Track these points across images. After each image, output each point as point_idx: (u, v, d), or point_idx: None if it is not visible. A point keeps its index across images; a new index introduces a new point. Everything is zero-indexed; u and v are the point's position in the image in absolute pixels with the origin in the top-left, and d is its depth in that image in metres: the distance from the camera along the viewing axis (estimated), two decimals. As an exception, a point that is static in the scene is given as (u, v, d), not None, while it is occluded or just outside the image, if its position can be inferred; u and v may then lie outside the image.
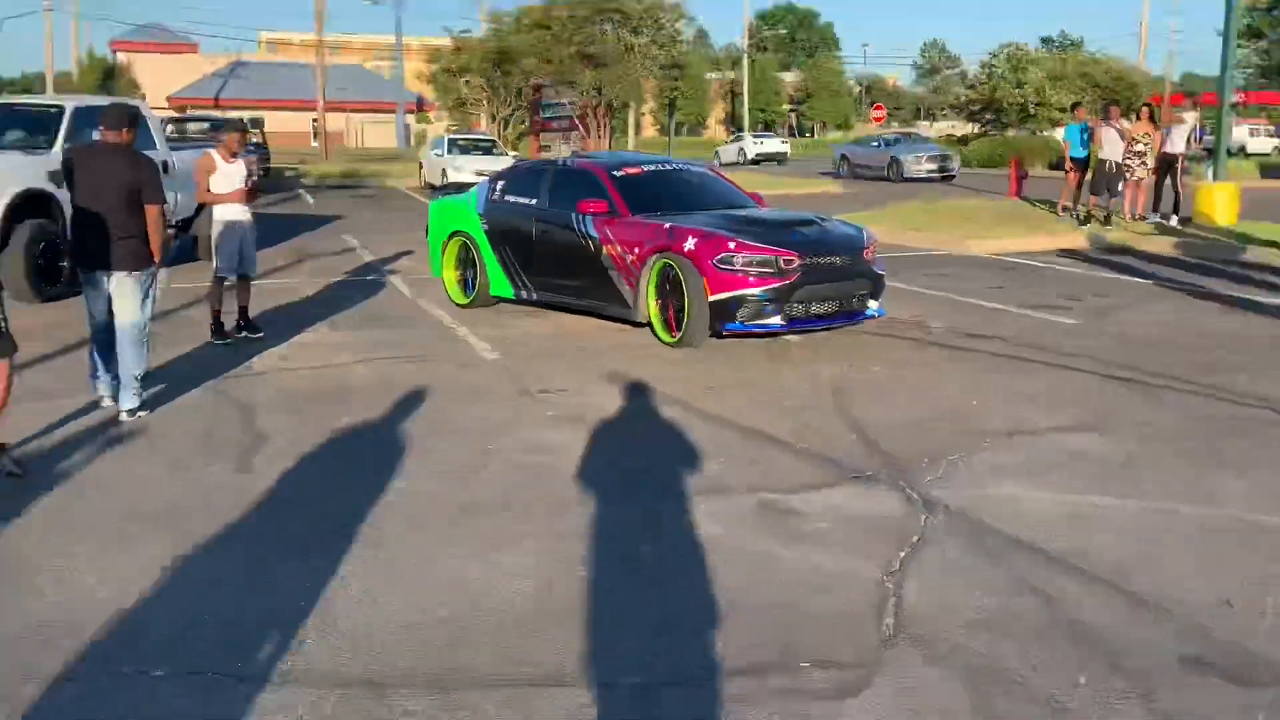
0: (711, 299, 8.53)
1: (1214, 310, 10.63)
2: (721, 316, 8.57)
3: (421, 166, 29.78)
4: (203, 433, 6.50)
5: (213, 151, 9.26)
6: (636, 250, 9.08)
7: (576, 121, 29.86)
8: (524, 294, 10.29)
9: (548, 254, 9.97)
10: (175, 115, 25.13)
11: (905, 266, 13.83)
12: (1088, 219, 16.72)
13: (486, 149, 27.60)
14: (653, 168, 10.04)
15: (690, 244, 8.67)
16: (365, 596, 4.24)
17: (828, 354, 8.65)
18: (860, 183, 32.55)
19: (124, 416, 6.73)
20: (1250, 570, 4.45)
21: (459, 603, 4.18)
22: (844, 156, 37.77)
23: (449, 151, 26.92)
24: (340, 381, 7.76)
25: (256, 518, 5.11)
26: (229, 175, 9.18)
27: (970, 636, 3.88)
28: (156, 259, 6.92)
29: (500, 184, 10.77)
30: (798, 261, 8.58)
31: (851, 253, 8.97)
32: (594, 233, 9.47)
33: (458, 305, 10.88)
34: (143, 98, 27.84)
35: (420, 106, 65.36)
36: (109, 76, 59.27)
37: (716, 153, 49.10)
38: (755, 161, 45.72)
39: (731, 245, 8.55)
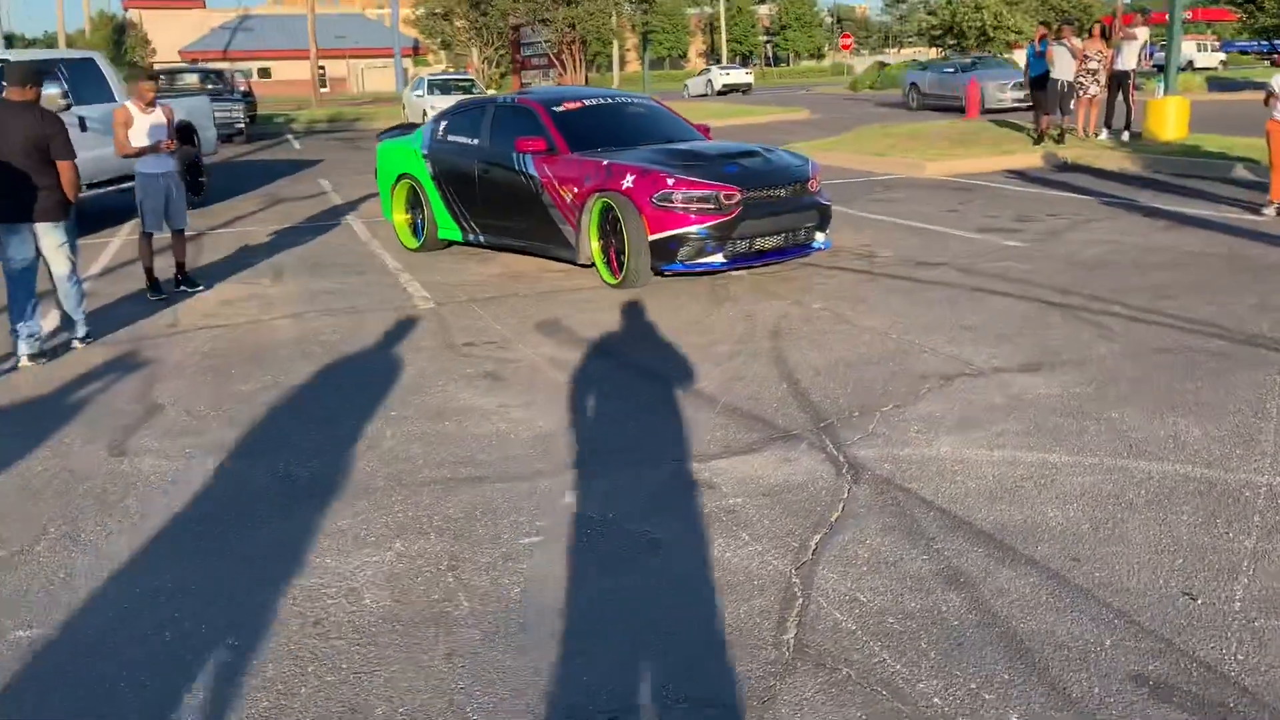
0: (651, 238, 7.55)
1: (1164, 228, 9.62)
2: (662, 256, 7.60)
3: (404, 109, 28.44)
4: (94, 402, 5.58)
5: (128, 103, 8.16)
6: (576, 189, 8.08)
7: (553, 58, 28.39)
8: (471, 237, 9.30)
9: (491, 195, 8.96)
10: (166, 68, 23.61)
11: (861, 193, 12.78)
12: (1041, 138, 15.59)
13: (466, 88, 26.23)
14: (594, 102, 8.95)
15: (628, 182, 7.66)
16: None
17: (771, 291, 7.68)
18: (832, 108, 31.15)
19: (76, 344, 6.78)
20: (1215, 546, 3.56)
21: (282, 631, 3.30)
22: (913, 84, 28.92)
23: (429, 92, 25.58)
24: (261, 340, 6.81)
25: (96, 509, 4.21)
26: (147, 127, 8.10)
27: (884, 652, 2.99)
28: (71, 206, 6.68)
29: (444, 123, 9.70)
30: (739, 196, 7.57)
31: (795, 184, 7.95)
32: (534, 172, 8.45)
33: (408, 250, 9.89)
34: (153, 53, 26.50)
35: (416, 50, 63.38)
36: (120, 33, 57.28)
37: (686, 85, 47.52)
38: (722, 92, 44.13)
39: (670, 182, 7.53)
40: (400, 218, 10.01)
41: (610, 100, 9.09)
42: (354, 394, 5.60)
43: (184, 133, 13.64)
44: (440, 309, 7.49)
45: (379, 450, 4.75)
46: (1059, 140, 15.43)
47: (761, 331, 6.52)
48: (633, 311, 7.21)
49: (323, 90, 65.34)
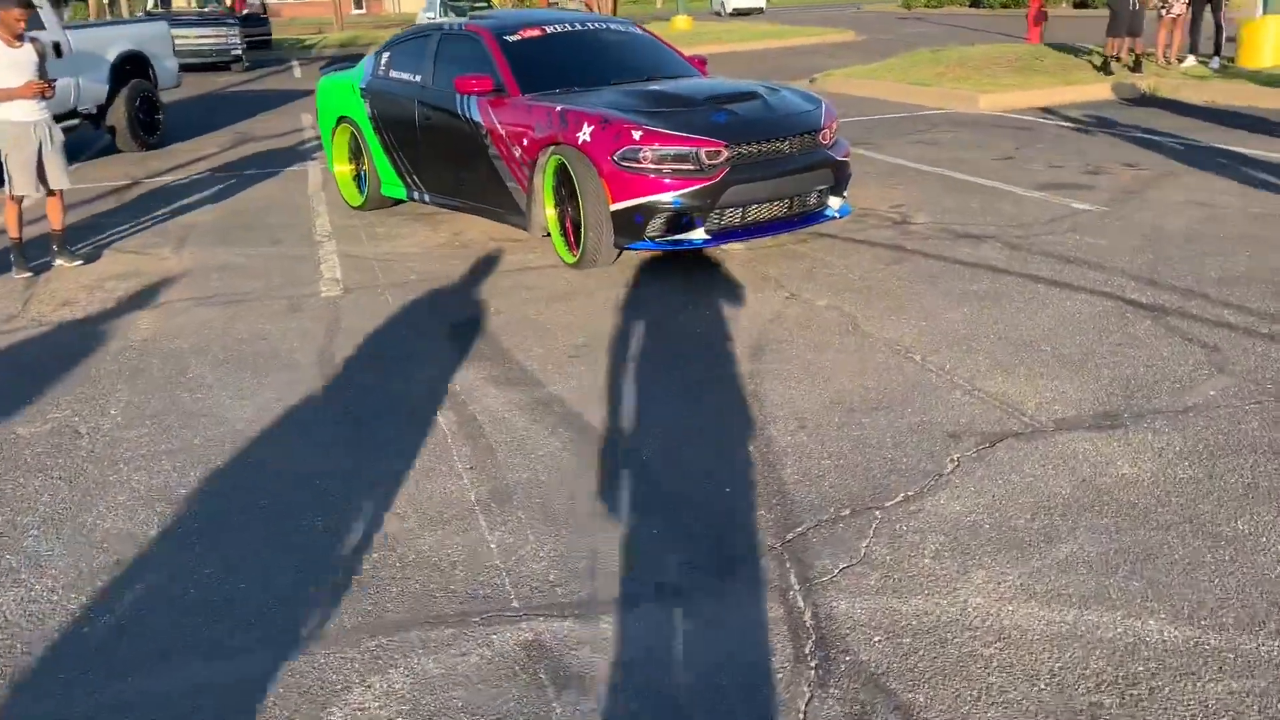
0: (613, 208, 5.84)
1: (1269, 184, 7.68)
2: (626, 231, 5.89)
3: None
4: None
5: (-11, 36, 6.51)
6: (525, 141, 6.36)
7: (580, -24, 26.20)
8: (416, 195, 7.63)
9: (433, 146, 7.26)
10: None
11: (900, 132, 10.86)
12: (1108, 65, 13.42)
13: (483, 6, 24.22)
14: (558, 29, 7.15)
15: (585, 134, 5.92)
16: None
17: (766, 276, 5.95)
18: (881, 29, 28.66)
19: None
20: None
21: None
22: None
23: (442, 13, 23.64)
24: (92, 346, 5.25)
25: None
26: (14, 64, 6.48)
27: None
28: None
29: (386, 55, 7.97)
30: (725, 153, 5.82)
31: (803, 135, 6.15)
32: (479, 118, 6.73)
33: (352, 207, 8.26)
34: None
35: (453, -32, 60.84)
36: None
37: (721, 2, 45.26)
38: (735, 14, 42.13)
39: (636, 135, 5.79)
40: (342, 169, 8.35)
41: (579, 26, 7.28)
42: (163, 439, 4.02)
43: (137, 64, 12.07)
44: (345, 299, 5.87)
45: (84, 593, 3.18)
46: (1134, 68, 13.28)
47: (740, 345, 4.82)
48: (580, 307, 5.53)
49: (358, 11, 63.37)
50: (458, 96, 6.85)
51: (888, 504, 3.29)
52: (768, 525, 3.20)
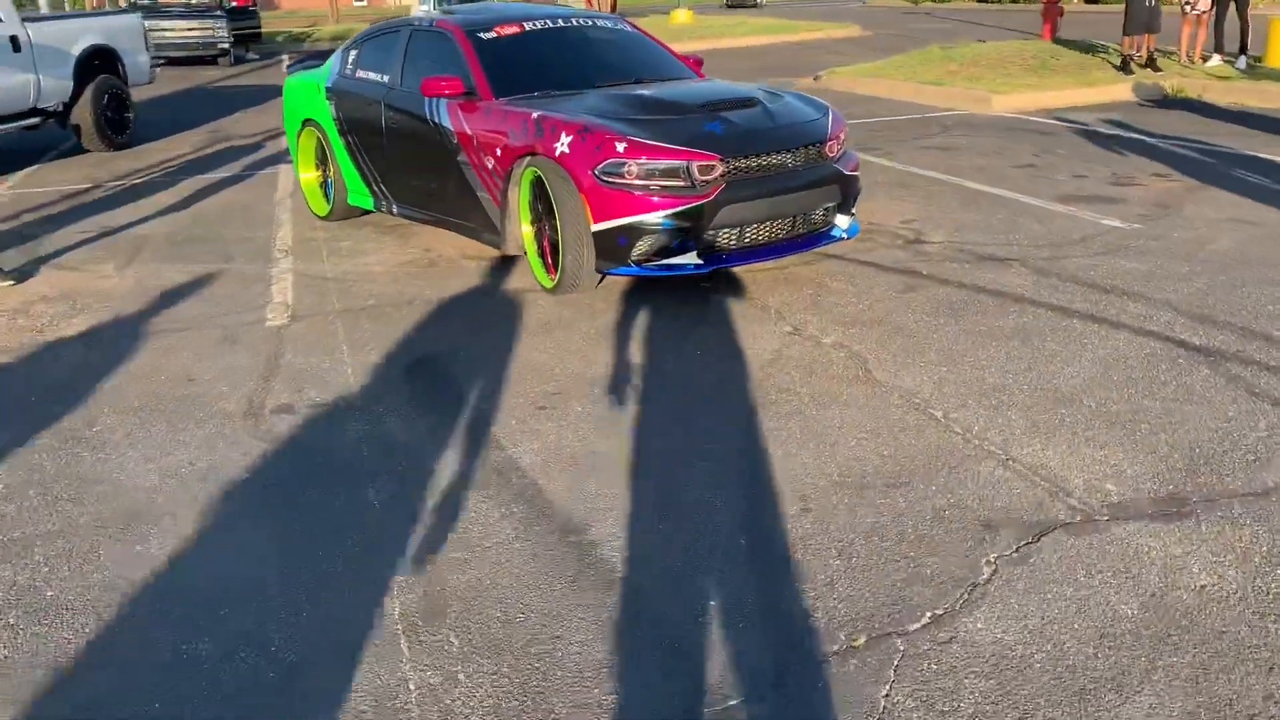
0: (595, 228, 5.17)
1: (1324, 199, 7.00)
2: (609, 254, 5.22)
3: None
4: None
5: None
6: (498, 151, 5.69)
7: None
8: (384, 206, 6.95)
9: (400, 152, 6.59)
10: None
11: (911, 135, 10.16)
12: (1126, 64, 12.70)
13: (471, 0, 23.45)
14: (537, 25, 6.45)
15: (563, 144, 5.25)
16: None
17: (765, 307, 5.28)
18: (888, 24, 27.91)
19: None
20: None
21: None
22: None
23: (436, 6, 22.89)
24: (1, 384, 4.59)
25: None
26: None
27: None
28: None
29: (354, 53, 7.29)
30: (720, 168, 5.14)
31: (807, 147, 5.46)
32: (448, 124, 6.06)
33: (318, 217, 7.59)
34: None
35: (456, -40, 60.05)
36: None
37: None
38: (730, 7, 41.50)
39: (620, 147, 5.11)
40: (308, 176, 7.68)
41: (562, 23, 6.59)
42: (11, 535, 3.36)
43: (106, 59, 11.38)
44: (291, 329, 5.20)
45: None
46: (1153, 67, 12.57)
47: (735, 396, 4.15)
48: (556, 343, 4.86)
49: (360, 4, 62.59)
50: (425, 100, 6.18)
51: (911, 629, 2.62)
52: (758, 664, 2.54)
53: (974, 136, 9.98)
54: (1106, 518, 3.12)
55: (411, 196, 6.63)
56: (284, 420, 4.08)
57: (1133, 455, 3.50)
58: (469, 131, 5.90)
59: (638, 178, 5.09)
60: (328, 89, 7.25)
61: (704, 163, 5.10)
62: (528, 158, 5.47)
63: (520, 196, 5.65)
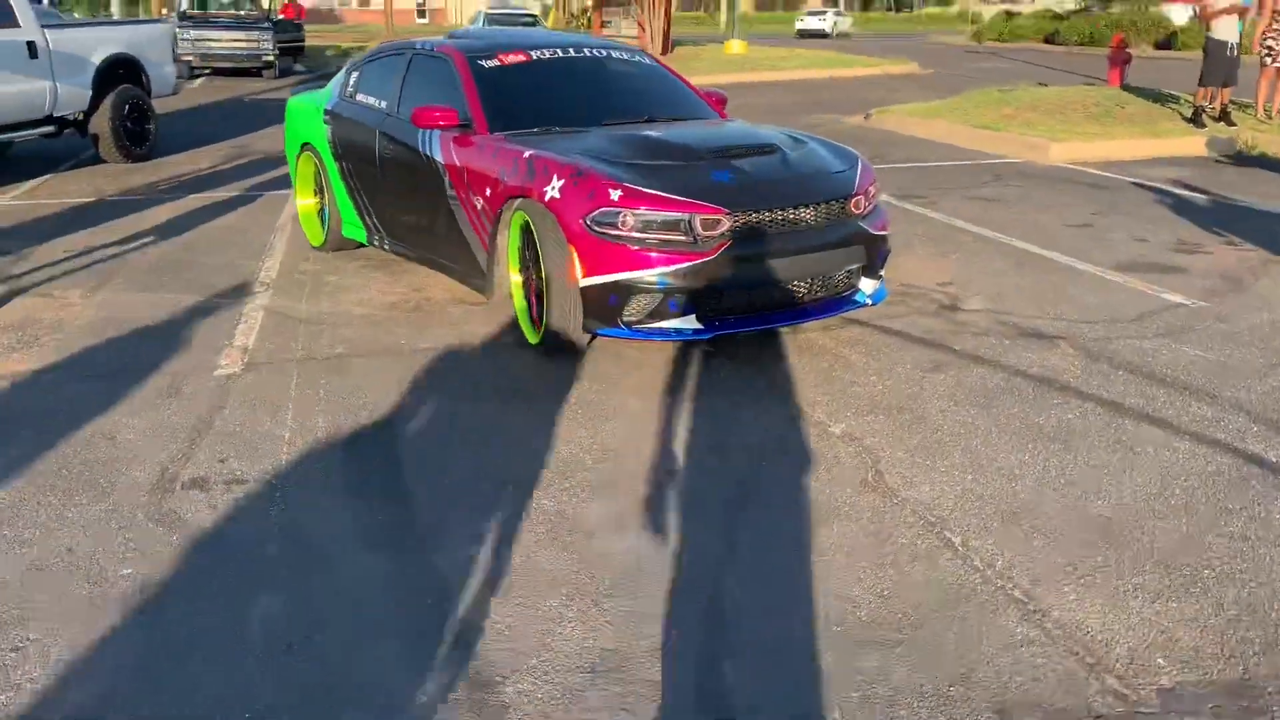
0: (584, 283, 4.57)
1: None
2: (599, 313, 4.62)
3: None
4: None
5: None
6: (488, 191, 5.13)
7: (635, -8, 24.79)
8: (376, 240, 6.43)
9: (392, 184, 6.07)
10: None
11: (959, 184, 9.47)
12: (1198, 116, 11.90)
13: (528, 25, 23.15)
14: (545, 54, 5.89)
15: (554, 188, 4.67)
16: None
17: (771, 383, 4.64)
18: (947, 62, 27.16)
19: None
20: None
21: None
22: None
23: (486, 25, 22.58)
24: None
25: None
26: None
27: None
28: None
29: (355, 75, 6.80)
30: (727, 222, 4.53)
31: (829, 200, 4.84)
32: (440, 157, 5.53)
33: (313, 247, 7.09)
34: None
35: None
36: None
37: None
38: (800, 35, 44.06)
39: (615, 195, 4.52)
40: (305, 203, 7.19)
41: (574, 53, 6.02)
42: None
43: (128, 69, 11.06)
44: (241, 380, 4.66)
45: None
46: (1226, 121, 11.77)
47: (718, 501, 3.52)
48: (531, 414, 4.26)
49: (421, 21, 63.05)
50: (418, 130, 5.65)
51: None
52: None
53: (1026, 188, 9.27)
54: (1155, 709, 2.45)
55: (402, 232, 6.10)
56: (192, 500, 3.52)
57: (1192, 615, 2.82)
58: (460, 167, 5.36)
59: (633, 230, 4.49)
60: (326, 112, 6.77)
61: (708, 216, 4.50)
62: (518, 200, 4.89)
63: (509, 242, 5.08)
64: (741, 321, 4.70)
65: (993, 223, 7.77)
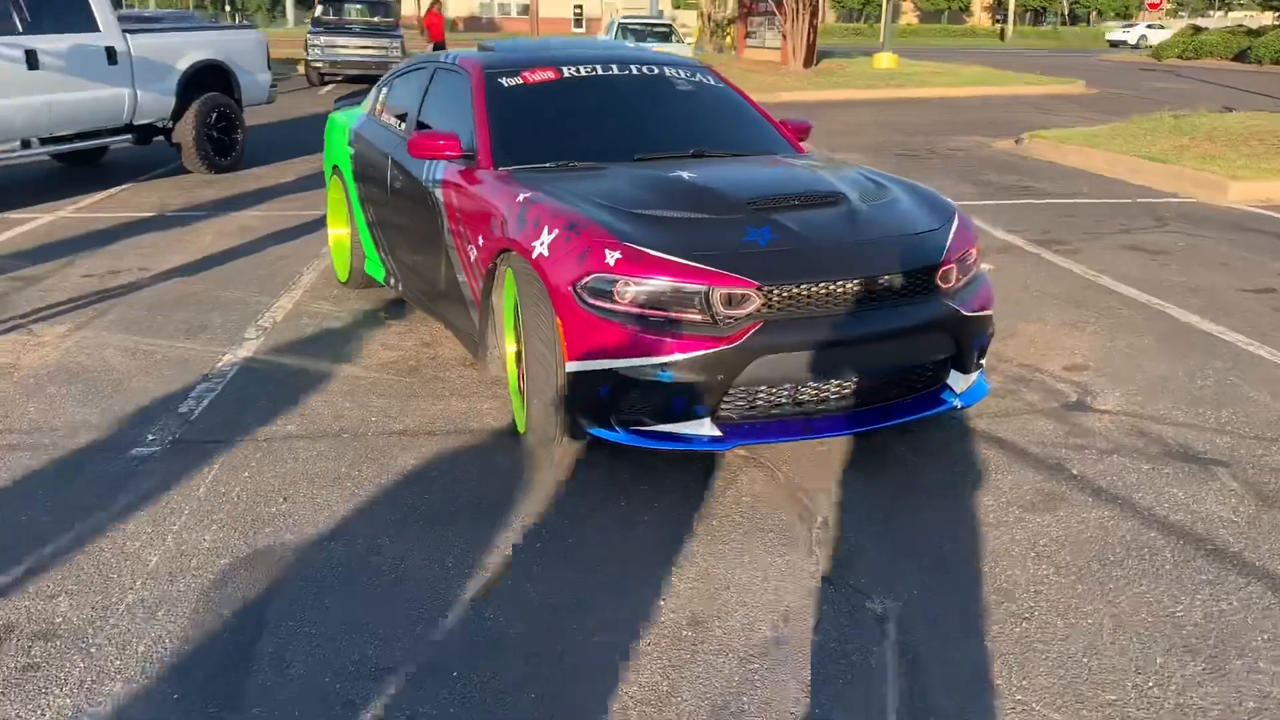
0: (570, 368, 3.51)
1: None
2: (588, 409, 3.55)
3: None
4: None
5: None
6: (481, 239, 4.15)
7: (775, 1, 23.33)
8: (392, 281, 5.54)
9: (403, 221, 5.16)
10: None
11: (1112, 225, 8.00)
12: None
13: (663, 35, 22.19)
14: (582, 72, 4.83)
15: (542, 243, 3.65)
16: None
17: (802, 511, 3.47)
18: (1118, 81, 24.91)
19: None
20: None
21: None
22: None
23: (620, 36, 21.75)
24: None
25: None
26: None
27: None
28: None
29: (384, 91, 5.93)
30: (757, 300, 3.42)
31: (907, 272, 3.64)
32: (439, 194, 4.59)
33: (340, 282, 6.28)
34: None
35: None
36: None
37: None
38: (1111, 45, 47.09)
39: (612, 257, 3.46)
40: (338, 232, 6.37)
41: (615, 70, 4.94)
42: None
43: (218, 76, 10.61)
44: (152, 465, 3.79)
45: None
46: None
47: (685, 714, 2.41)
48: (499, 524, 3.23)
49: (577, 30, 63.27)
50: (422, 161, 4.72)
51: None
52: None
53: (1196, 236, 7.72)
54: None
55: (410, 276, 5.19)
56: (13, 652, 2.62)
57: None
58: (457, 208, 4.39)
59: (633, 303, 3.42)
60: (351, 131, 5.93)
61: (731, 289, 3.38)
62: (512, 254, 3.88)
63: (505, 304, 4.07)
64: (775, 429, 3.55)
65: (1148, 282, 6.33)
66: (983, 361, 4.01)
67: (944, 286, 3.71)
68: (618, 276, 3.43)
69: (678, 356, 3.37)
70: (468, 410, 4.31)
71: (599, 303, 3.45)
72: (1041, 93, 20.91)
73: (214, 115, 10.44)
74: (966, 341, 3.77)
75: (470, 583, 2.99)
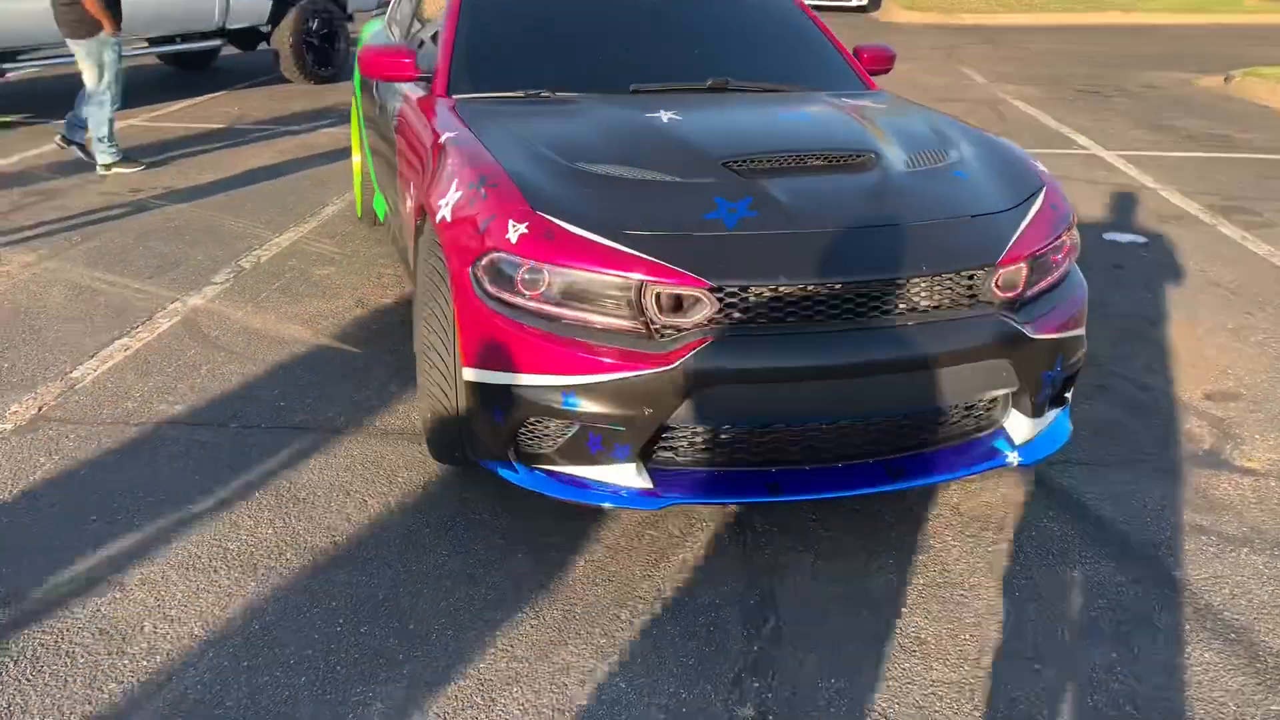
0: (467, 375, 2.57)
1: None
2: (483, 436, 2.61)
3: None
4: None
5: None
6: (411, 189, 3.23)
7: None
8: (390, 216, 4.70)
9: (380, 151, 4.30)
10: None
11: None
12: None
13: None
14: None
15: (447, 204, 2.71)
16: None
17: (757, 662, 2.46)
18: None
19: (100, 170, 6.31)
20: None
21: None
22: None
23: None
24: None
25: None
26: None
27: None
28: (106, 29, 6.03)
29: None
30: (708, 305, 2.37)
31: (943, 272, 2.50)
32: (395, 125, 3.69)
33: (358, 217, 5.53)
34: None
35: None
36: None
37: None
38: None
39: (516, 231, 2.49)
40: (356, 159, 5.58)
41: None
42: None
43: (323, -19, 9.96)
44: (10, 442, 3.11)
45: None
46: None
47: None
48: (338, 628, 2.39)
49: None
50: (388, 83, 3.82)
51: None
52: None
53: None
54: None
55: (391, 221, 4.33)
56: None
57: None
58: (404, 146, 3.49)
59: (541, 297, 2.44)
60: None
61: (673, 288, 2.36)
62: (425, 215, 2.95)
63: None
64: (732, 486, 2.53)
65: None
66: (1068, 398, 2.85)
67: (1003, 295, 2.56)
68: (519, 259, 2.45)
69: (588, 379, 2.38)
70: (380, 408, 3.44)
71: (500, 293, 2.50)
72: (1274, 22, 18.14)
73: (315, 22, 9.83)
74: (1032, 374, 2.62)
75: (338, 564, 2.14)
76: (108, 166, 6.30)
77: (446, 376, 2.65)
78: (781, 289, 2.38)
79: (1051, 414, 2.79)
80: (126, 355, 3.77)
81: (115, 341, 3.90)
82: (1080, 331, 2.75)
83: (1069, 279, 2.78)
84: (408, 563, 2.57)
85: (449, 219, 2.67)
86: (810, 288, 2.39)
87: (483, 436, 2.60)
